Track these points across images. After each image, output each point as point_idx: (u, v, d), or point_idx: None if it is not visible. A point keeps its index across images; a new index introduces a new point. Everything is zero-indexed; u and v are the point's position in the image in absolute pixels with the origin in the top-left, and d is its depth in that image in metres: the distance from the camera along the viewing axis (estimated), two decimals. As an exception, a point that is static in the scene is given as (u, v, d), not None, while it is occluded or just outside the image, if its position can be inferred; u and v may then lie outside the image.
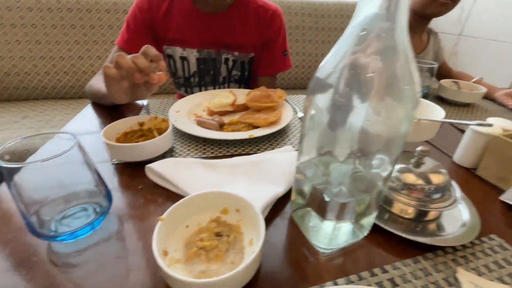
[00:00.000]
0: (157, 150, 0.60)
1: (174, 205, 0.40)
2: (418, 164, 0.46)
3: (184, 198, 0.41)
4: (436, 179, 0.45)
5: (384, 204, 0.48)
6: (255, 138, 0.71)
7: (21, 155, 0.41)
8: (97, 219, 0.42)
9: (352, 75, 0.29)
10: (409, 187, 0.45)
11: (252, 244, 0.40)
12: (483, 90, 0.98)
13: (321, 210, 0.39)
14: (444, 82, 1.05)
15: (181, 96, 1.14)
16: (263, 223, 0.37)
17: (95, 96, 0.85)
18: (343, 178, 0.36)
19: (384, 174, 0.37)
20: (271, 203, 0.48)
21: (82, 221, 0.41)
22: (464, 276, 0.38)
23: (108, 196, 0.44)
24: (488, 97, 1.08)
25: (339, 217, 0.38)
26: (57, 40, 1.63)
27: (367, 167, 0.37)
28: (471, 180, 0.60)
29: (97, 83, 0.83)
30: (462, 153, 0.63)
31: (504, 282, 0.37)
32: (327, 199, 0.36)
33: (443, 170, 0.46)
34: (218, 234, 0.41)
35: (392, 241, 0.43)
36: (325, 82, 0.32)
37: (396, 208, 0.47)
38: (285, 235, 0.44)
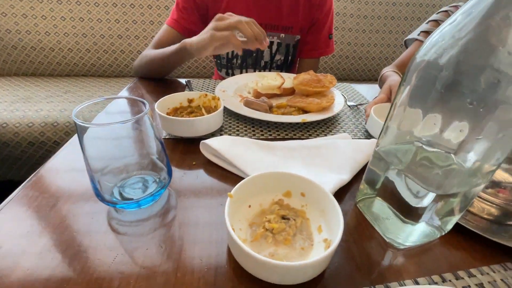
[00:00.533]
0: (208, 128, 0.58)
1: (240, 183, 0.38)
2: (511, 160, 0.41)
3: (249, 177, 0.39)
4: (533, 179, 0.39)
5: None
6: (307, 123, 0.67)
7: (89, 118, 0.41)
8: (159, 191, 0.41)
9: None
10: (497, 185, 0.40)
11: (322, 230, 0.37)
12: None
13: (401, 209, 0.35)
14: None
15: (220, 78, 1.12)
16: (339, 209, 0.34)
17: (154, 62, 0.84)
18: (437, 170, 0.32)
19: (489, 168, 0.32)
20: (334, 191, 0.44)
21: (141, 192, 0.40)
22: None
23: (169, 169, 0.43)
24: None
25: (420, 218, 0.34)
26: (99, 18, 1.66)
27: (467, 160, 0.33)
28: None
29: (153, 51, 0.84)
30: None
31: None
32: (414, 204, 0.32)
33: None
34: (285, 217, 0.38)
35: (473, 242, 0.39)
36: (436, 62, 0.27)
37: (477, 207, 0.42)
38: (353, 226, 0.41)
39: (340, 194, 0.46)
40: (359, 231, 0.40)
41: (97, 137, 0.36)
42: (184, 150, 0.55)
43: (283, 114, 0.69)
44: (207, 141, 0.51)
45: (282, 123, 0.66)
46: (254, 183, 0.40)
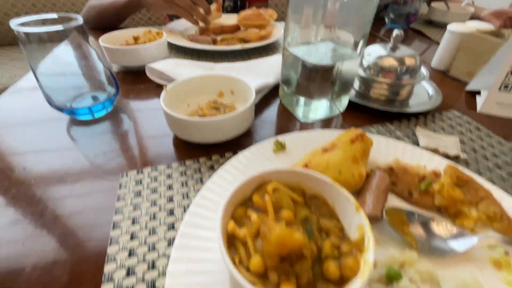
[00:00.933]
0: (153, 56, 0.63)
1: (176, 82, 0.45)
2: (394, 49, 0.51)
3: (185, 78, 0.47)
4: (408, 61, 0.50)
5: (364, 89, 0.55)
6: (247, 50, 0.74)
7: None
8: (108, 100, 0.48)
9: None
10: (385, 70, 0.51)
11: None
12: (471, 10, 1.00)
13: (304, 91, 0.45)
14: (435, 4, 1.05)
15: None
16: (253, 90, 0.43)
17: (104, 14, 0.85)
18: (323, 50, 0.42)
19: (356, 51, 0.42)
20: (262, 91, 0.54)
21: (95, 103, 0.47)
22: (421, 131, 0.46)
23: (116, 85, 0.49)
24: (475, 17, 1.10)
25: (318, 94, 0.44)
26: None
27: (341, 44, 0.43)
28: (445, 79, 0.66)
29: (101, 3, 0.84)
30: (439, 57, 0.68)
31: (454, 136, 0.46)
32: (309, 65, 0.42)
33: (415, 53, 0.51)
34: (216, 108, 0.47)
35: (368, 114, 0.50)
36: None
37: (374, 91, 0.54)
38: (275, 115, 0.51)
39: (269, 97, 0.55)
40: (280, 117, 0.50)
41: (40, 50, 0.41)
42: (133, 79, 0.61)
43: (227, 45, 0.75)
44: (151, 64, 0.57)
45: (224, 51, 0.72)
46: (190, 83, 0.48)
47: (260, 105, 0.53)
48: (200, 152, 0.41)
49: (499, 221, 0.28)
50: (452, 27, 0.63)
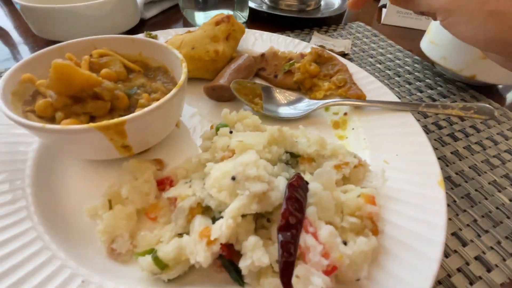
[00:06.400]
0: None
1: None
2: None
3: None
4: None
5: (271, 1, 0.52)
6: None
7: None
8: None
9: None
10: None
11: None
12: None
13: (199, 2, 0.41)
14: None
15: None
16: None
17: None
18: None
19: None
20: (162, 3, 0.49)
21: None
22: (317, 35, 0.45)
23: None
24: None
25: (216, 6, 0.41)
26: None
27: None
28: None
29: None
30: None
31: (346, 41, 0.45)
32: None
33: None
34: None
35: (274, 25, 0.48)
36: None
37: (283, 2, 0.51)
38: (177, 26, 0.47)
39: (174, 11, 0.51)
40: (183, 26, 0.47)
41: None
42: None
43: None
44: None
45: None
46: None
47: (162, 20, 0.49)
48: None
49: (343, 87, 0.29)
50: None
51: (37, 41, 0.40)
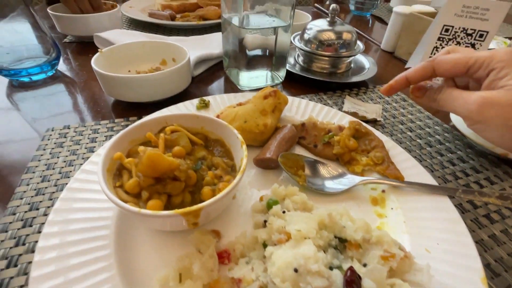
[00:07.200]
0: (103, 27, 0.63)
1: (114, 45, 0.46)
2: (332, 22, 0.54)
3: (125, 42, 0.48)
4: (345, 35, 0.53)
5: (307, 62, 0.57)
6: (206, 27, 0.75)
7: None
8: (48, 63, 0.48)
9: None
10: (324, 43, 0.53)
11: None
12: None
13: (242, 62, 0.47)
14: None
15: None
16: (188, 52, 0.45)
17: None
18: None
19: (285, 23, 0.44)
20: (208, 61, 0.55)
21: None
22: (349, 99, 0.49)
23: (58, 51, 0.50)
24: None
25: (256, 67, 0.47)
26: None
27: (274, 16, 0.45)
28: (391, 60, 0.69)
29: None
30: (386, 38, 0.71)
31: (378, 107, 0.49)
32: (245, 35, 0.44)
33: (352, 28, 0.54)
34: (155, 73, 0.48)
35: (307, 86, 0.53)
36: None
37: (316, 64, 0.56)
38: (222, 85, 0.53)
39: (218, 68, 0.57)
40: (226, 85, 0.52)
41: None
42: (82, 48, 0.61)
43: (186, 22, 0.75)
44: (99, 33, 0.57)
45: (184, 29, 0.73)
46: (129, 47, 0.48)
47: (207, 76, 0.54)
48: (136, 112, 0.42)
49: (381, 165, 0.31)
50: (397, 9, 0.66)
51: (103, 97, 0.46)
